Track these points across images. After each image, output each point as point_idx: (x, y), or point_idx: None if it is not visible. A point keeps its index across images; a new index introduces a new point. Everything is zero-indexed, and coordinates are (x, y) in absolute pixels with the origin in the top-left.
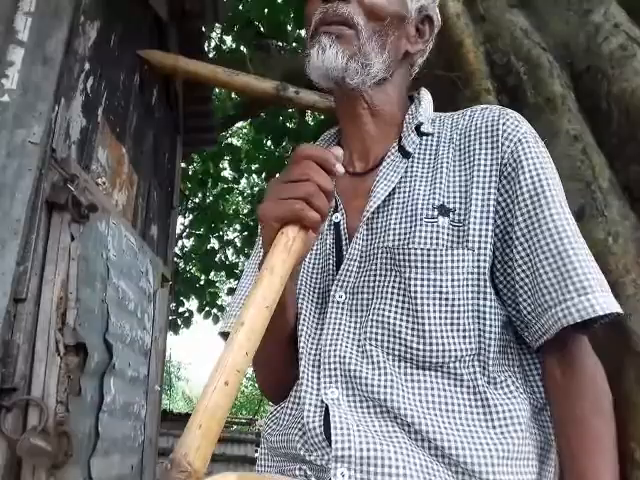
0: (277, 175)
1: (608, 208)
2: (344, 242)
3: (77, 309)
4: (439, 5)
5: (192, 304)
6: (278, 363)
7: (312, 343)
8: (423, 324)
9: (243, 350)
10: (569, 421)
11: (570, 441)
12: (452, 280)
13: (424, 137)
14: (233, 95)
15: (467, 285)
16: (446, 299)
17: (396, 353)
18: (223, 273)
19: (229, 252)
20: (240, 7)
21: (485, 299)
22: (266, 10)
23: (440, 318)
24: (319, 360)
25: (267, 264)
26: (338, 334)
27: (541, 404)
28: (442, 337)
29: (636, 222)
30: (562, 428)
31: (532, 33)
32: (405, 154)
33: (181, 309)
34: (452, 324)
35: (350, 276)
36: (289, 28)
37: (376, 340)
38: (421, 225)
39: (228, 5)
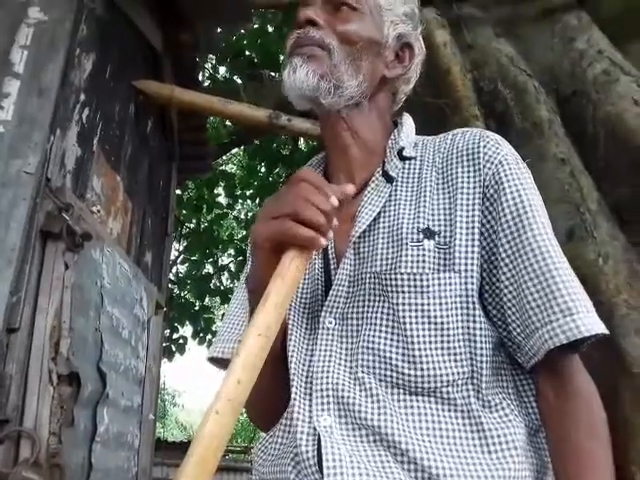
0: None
1: (597, 229)
2: (332, 267)
3: (70, 338)
4: (426, 33)
5: (186, 330)
6: (267, 385)
7: (303, 370)
8: (413, 349)
9: (235, 378)
10: (564, 444)
11: (566, 465)
12: (440, 304)
13: (407, 161)
14: (227, 123)
15: (456, 308)
16: (435, 323)
17: (388, 380)
18: (218, 299)
19: (224, 277)
20: (233, 38)
21: (475, 322)
22: (259, 41)
23: (430, 343)
24: (311, 387)
25: (265, 293)
26: (329, 361)
27: (536, 426)
28: (433, 362)
29: (626, 243)
30: (557, 451)
31: (518, 60)
32: (389, 179)
33: (175, 335)
34: (442, 348)
35: (339, 302)
36: (281, 58)
37: (367, 367)
38: (407, 249)
39: (221, 36)
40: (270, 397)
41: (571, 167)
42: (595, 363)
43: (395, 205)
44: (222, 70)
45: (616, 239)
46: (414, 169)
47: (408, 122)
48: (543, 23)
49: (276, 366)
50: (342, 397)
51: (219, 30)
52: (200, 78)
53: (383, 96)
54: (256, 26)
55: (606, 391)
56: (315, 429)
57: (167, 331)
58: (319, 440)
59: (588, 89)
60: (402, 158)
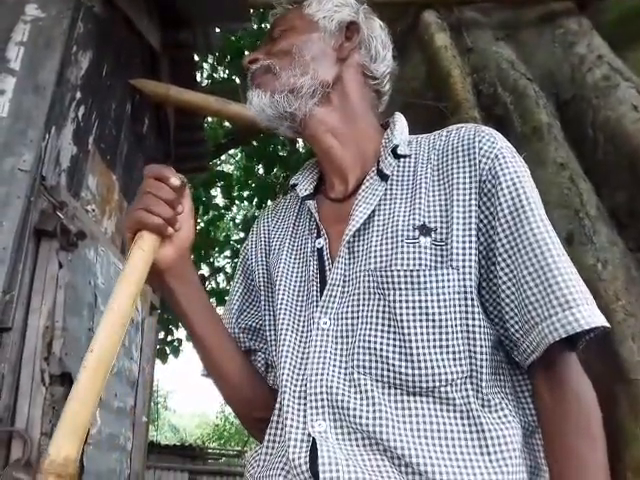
0: (269, 202)
1: (597, 234)
2: (327, 267)
3: (63, 338)
4: (427, 37)
5: (181, 332)
6: (232, 378)
7: (297, 374)
8: (411, 347)
9: (89, 349)
10: (556, 443)
11: (556, 464)
12: (438, 301)
13: (401, 159)
14: (225, 123)
15: (454, 305)
16: (433, 320)
17: (385, 380)
18: (214, 300)
19: (220, 279)
20: (232, 38)
21: (474, 319)
22: (258, 41)
23: (428, 341)
24: (305, 391)
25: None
26: (324, 363)
27: (533, 427)
28: (431, 360)
29: (624, 248)
30: (550, 450)
31: (518, 64)
32: (383, 177)
33: (170, 337)
34: (441, 346)
35: (334, 302)
36: None
37: (364, 367)
38: (402, 246)
39: (220, 36)
40: (241, 389)
41: (570, 172)
42: (592, 369)
43: (390, 203)
44: (221, 70)
45: (615, 244)
46: (409, 167)
47: (400, 120)
48: (543, 28)
49: (229, 351)
50: (337, 401)
51: (218, 30)
52: (198, 78)
53: (351, 77)
54: (255, 26)
55: (603, 397)
56: (309, 435)
57: (162, 333)
58: (313, 447)
59: (588, 94)
60: (396, 156)
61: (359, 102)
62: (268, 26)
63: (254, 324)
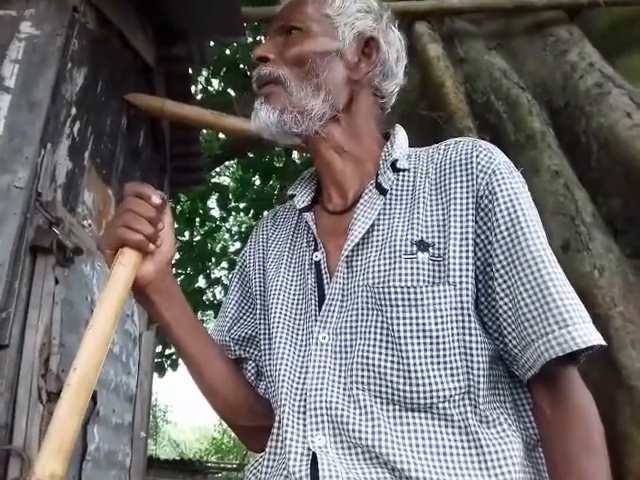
0: (265, 212)
1: (592, 241)
2: (325, 281)
3: (61, 355)
4: (420, 47)
5: None
6: (228, 393)
7: (296, 388)
8: (408, 364)
9: (72, 367)
10: (557, 458)
11: (557, 478)
12: (435, 317)
13: (400, 173)
14: (220, 135)
15: (451, 321)
16: (430, 337)
17: (383, 396)
18: (211, 312)
19: (217, 291)
20: (227, 51)
21: (471, 335)
22: (251, 53)
23: (425, 357)
24: (304, 406)
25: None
26: (323, 378)
27: (534, 441)
28: (429, 377)
29: (621, 255)
30: (551, 465)
31: (510, 73)
32: (382, 191)
33: (168, 351)
34: (438, 363)
35: (333, 316)
36: None
37: (362, 383)
38: (400, 262)
39: (214, 50)
40: (226, 398)
41: (565, 179)
42: (592, 377)
43: (388, 218)
44: (215, 83)
45: (611, 251)
46: (408, 181)
47: (400, 134)
48: (535, 37)
49: (216, 360)
50: (337, 416)
51: (212, 43)
52: (193, 91)
53: (363, 99)
54: (249, 39)
55: (603, 405)
56: (309, 449)
57: (159, 347)
58: (313, 461)
59: (580, 101)
60: (395, 170)
61: (366, 121)
62: (262, 39)
63: (249, 332)
